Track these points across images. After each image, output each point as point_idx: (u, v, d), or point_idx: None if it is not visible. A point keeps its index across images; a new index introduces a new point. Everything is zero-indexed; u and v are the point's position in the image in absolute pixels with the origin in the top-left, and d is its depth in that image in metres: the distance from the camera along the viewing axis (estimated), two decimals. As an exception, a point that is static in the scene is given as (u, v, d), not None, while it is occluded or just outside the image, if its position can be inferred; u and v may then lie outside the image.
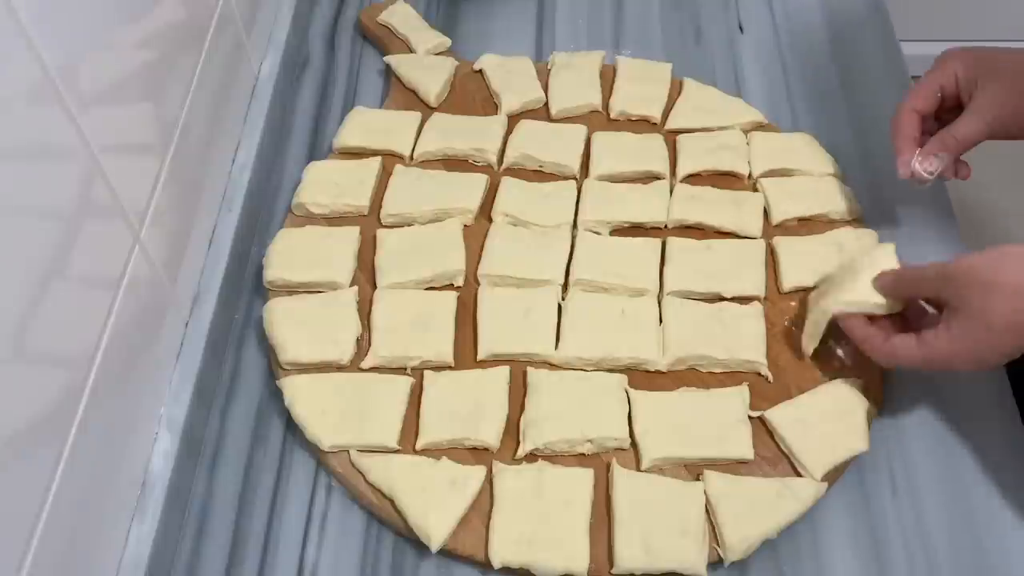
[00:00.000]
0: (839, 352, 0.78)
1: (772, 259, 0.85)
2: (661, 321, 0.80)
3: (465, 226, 0.87)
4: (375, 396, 0.75)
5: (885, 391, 0.77)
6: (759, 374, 0.78)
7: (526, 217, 0.87)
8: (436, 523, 0.69)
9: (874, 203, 0.90)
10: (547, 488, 0.70)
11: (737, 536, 0.68)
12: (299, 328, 0.79)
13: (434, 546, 0.68)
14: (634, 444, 0.74)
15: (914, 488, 0.74)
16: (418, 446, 0.74)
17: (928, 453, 0.75)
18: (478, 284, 0.83)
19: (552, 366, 0.78)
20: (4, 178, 0.52)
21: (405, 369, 0.78)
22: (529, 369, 0.77)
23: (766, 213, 0.88)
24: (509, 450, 0.74)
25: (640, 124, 0.96)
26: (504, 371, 0.77)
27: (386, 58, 1.02)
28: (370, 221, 0.88)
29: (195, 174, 0.81)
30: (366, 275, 0.84)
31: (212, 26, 0.83)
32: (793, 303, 0.82)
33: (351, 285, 0.83)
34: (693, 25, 1.09)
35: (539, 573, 0.68)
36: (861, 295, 0.73)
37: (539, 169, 0.92)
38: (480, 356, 0.78)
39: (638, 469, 0.73)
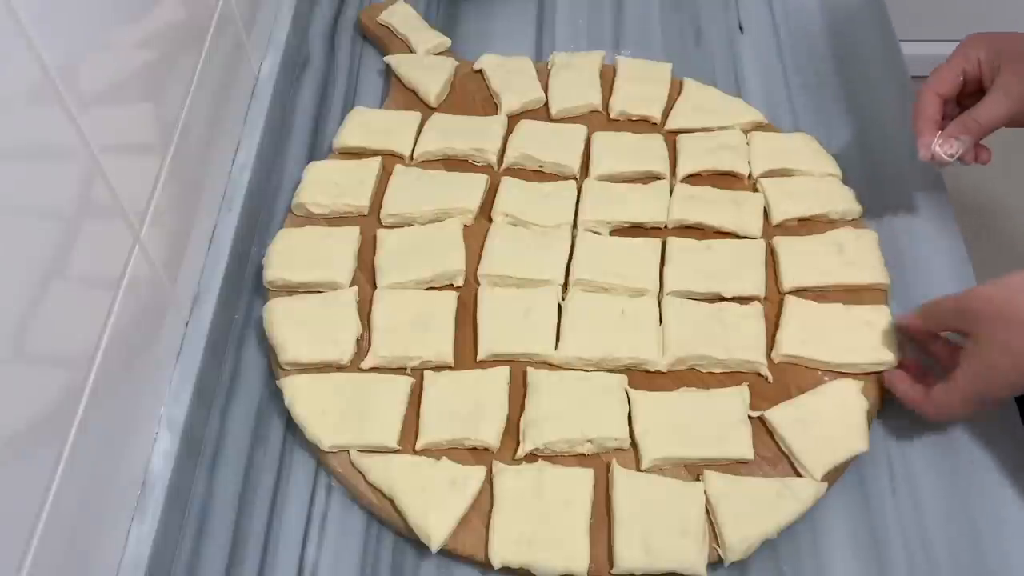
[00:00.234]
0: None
1: (772, 259, 0.85)
2: (661, 321, 0.80)
3: (465, 226, 0.87)
4: (375, 396, 0.75)
5: (885, 391, 0.77)
6: (759, 374, 0.78)
7: (526, 217, 0.87)
8: (436, 523, 0.69)
9: (874, 203, 0.90)
10: (547, 488, 0.70)
11: (737, 536, 0.68)
12: (299, 328, 0.79)
13: (434, 546, 0.68)
14: (634, 444, 0.74)
15: (914, 488, 0.74)
16: (418, 446, 0.74)
17: (928, 453, 0.75)
18: (478, 284, 0.83)
19: (552, 366, 0.78)
20: (4, 178, 0.52)
21: (405, 369, 0.78)
22: (529, 369, 0.77)
23: (766, 213, 0.88)
24: (509, 450, 0.74)
25: (640, 124, 0.96)
26: (504, 371, 0.77)
27: (386, 58, 1.02)
28: (370, 221, 0.88)
29: (195, 174, 0.81)
30: (366, 275, 0.84)
31: (212, 26, 0.83)
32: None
33: (351, 285, 0.83)
34: (693, 25, 1.09)
35: (539, 573, 0.68)
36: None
37: (539, 169, 0.92)
38: (480, 356, 0.79)
39: (638, 469, 0.73)
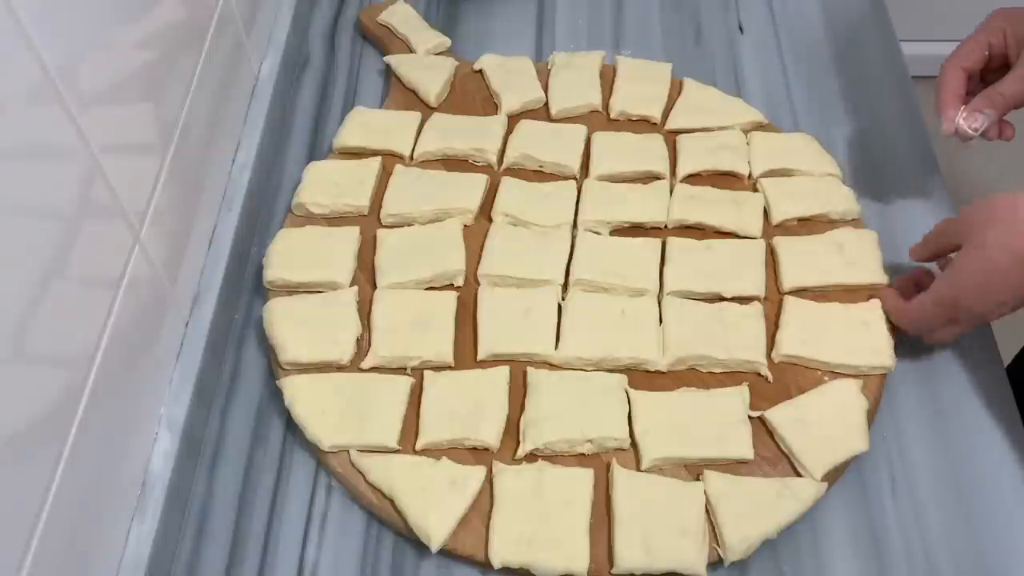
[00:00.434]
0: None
1: (772, 259, 0.85)
2: (661, 321, 0.80)
3: (465, 226, 0.87)
4: (375, 396, 0.75)
5: (885, 391, 0.77)
6: (759, 374, 0.78)
7: (526, 217, 0.87)
8: (436, 523, 0.69)
9: (874, 203, 0.90)
10: (547, 488, 0.70)
11: (737, 536, 0.68)
12: (299, 328, 0.79)
13: (434, 546, 0.68)
14: (634, 444, 0.74)
15: (914, 488, 0.74)
16: (418, 446, 0.74)
17: (928, 453, 0.75)
18: (478, 284, 0.83)
19: (552, 366, 0.78)
20: (4, 178, 0.52)
21: (405, 369, 0.78)
22: (529, 369, 0.77)
23: (766, 213, 0.88)
24: (509, 450, 0.74)
25: (640, 124, 0.96)
26: (504, 371, 0.77)
27: (386, 58, 1.02)
28: (370, 221, 0.88)
29: (195, 174, 0.81)
30: (366, 275, 0.84)
31: (212, 26, 0.83)
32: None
33: (351, 285, 0.83)
34: (693, 25, 1.09)
35: (539, 573, 0.68)
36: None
37: (539, 169, 0.92)
38: (480, 356, 0.79)
39: (638, 469, 0.73)
